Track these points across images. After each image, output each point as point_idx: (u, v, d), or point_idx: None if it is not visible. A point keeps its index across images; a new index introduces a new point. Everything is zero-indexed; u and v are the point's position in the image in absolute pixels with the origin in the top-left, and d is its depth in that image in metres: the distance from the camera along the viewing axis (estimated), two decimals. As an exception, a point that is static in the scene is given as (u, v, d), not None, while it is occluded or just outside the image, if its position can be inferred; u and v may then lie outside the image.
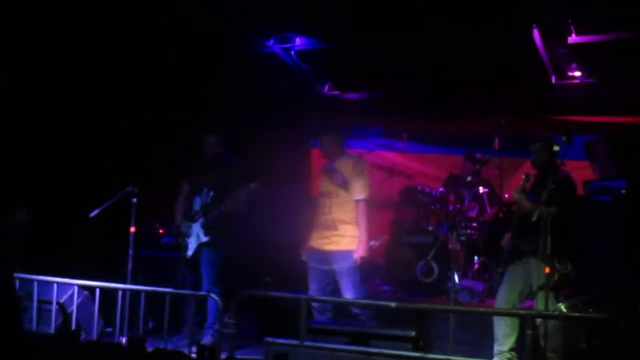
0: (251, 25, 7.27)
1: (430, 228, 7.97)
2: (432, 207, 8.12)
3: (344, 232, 6.35)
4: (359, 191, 6.36)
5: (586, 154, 7.98)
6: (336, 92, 8.85)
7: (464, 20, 6.72)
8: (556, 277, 5.52)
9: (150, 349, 5.07)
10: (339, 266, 6.32)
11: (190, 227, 6.72)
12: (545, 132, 6.19)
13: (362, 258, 6.29)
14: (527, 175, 5.93)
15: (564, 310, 5.56)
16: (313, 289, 6.43)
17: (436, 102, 8.44)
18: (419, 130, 9.06)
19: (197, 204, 6.73)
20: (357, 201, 6.35)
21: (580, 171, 7.74)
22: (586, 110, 7.99)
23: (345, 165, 6.46)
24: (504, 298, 5.95)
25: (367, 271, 8.30)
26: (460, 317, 6.04)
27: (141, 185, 6.69)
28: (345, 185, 6.35)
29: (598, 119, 8.13)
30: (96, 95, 7.64)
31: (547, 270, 5.31)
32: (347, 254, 6.30)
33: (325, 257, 6.39)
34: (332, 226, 6.39)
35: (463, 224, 7.70)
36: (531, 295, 5.85)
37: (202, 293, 6.30)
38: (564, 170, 5.68)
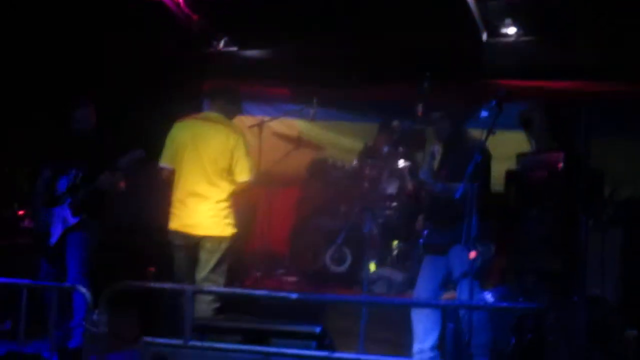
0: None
1: (342, 209, 8.00)
2: (345, 184, 8.14)
3: None
4: None
5: (521, 124, 8.14)
6: (233, 48, 8.75)
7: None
8: (479, 262, 5.63)
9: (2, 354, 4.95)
10: None
11: (54, 212, 6.66)
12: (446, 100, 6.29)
13: None
14: (432, 153, 6.03)
15: (490, 300, 5.69)
16: None
17: (352, 63, 8.45)
18: (332, 95, 9.05)
19: (63, 186, 6.66)
20: None
21: (511, 143, 7.92)
22: (521, 73, 8.12)
23: None
24: (423, 288, 6.06)
25: (268, 260, 8.37)
26: (374, 311, 6.11)
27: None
28: None
29: (534, 83, 8.27)
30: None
31: (473, 254, 5.40)
32: None
33: None
34: None
35: (380, 204, 7.76)
36: (453, 284, 5.97)
37: (68, 285, 6.18)
38: (479, 139, 5.76)
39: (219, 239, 6.43)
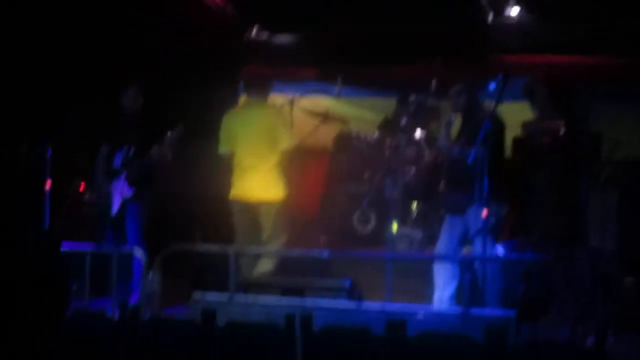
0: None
1: (367, 175, 7.97)
2: (368, 154, 8.11)
3: None
4: None
5: (525, 95, 8.06)
6: (264, 36, 8.71)
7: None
8: (493, 220, 5.61)
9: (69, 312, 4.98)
10: None
11: (113, 185, 6.69)
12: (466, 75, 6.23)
13: None
14: (448, 123, 5.98)
15: (502, 253, 5.67)
16: None
17: (372, 44, 8.38)
18: (354, 74, 8.99)
19: (119, 160, 6.70)
20: None
21: (518, 113, 7.84)
22: (525, 50, 8.02)
23: None
24: (444, 244, 6.05)
25: (302, 222, 8.37)
26: (398, 265, 6.09)
27: (59, 141, 6.57)
28: None
29: (537, 59, 8.18)
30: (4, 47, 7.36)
31: (485, 212, 5.37)
32: None
33: None
34: None
35: (400, 171, 7.73)
36: (469, 240, 5.95)
37: (126, 250, 6.22)
38: (495, 109, 5.72)
39: (271, 204, 6.64)
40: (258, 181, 6.65)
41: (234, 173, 6.79)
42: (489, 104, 5.78)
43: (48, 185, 6.41)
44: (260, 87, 6.93)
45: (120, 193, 6.63)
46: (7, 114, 7.36)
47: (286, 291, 5.28)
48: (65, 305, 5.04)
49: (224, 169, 6.90)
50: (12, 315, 4.17)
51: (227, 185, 6.86)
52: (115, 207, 6.65)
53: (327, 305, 5.00)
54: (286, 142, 6.67)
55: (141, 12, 7.63)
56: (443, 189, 6.32)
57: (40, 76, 7.62)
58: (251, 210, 6.68)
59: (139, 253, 5.82)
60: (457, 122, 6.23)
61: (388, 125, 8.28)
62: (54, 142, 6.54)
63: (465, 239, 6.02)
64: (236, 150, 6.77)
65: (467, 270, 5.20)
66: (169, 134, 6.40)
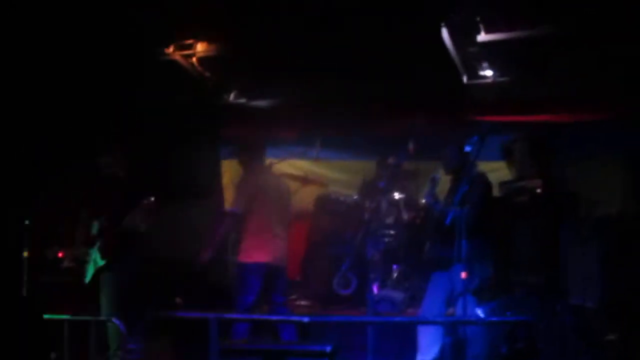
0: (148, 32, 7.16)
1: (347, 238, 7.98)
2: (348, 216, 8.14)
3: None
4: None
5: (503, 154, 8.15)
6: (243, 100, 8.79)
7: (372, 21, 6.79)
8: (477, 281, 5.61)
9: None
10: None
11: (88, 253, 6.60)
12: (455, 136, 6.31)
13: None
14: (433, 179, 6.03)
15: (482, 315, 5.65)
16: None
17: (350, 107, 8.47)
18: (332, 135, 9.07)
19: (95, 229, 6.63)
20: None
21: (496, 172, 7.92)
22: (499, 110, 8.14)
23: None
24: (429, 305, 6.04)
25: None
26: (379, 328, 6.07)
27: (37, 207, 6.52)
28: None
29: (512, 118, 8.29)
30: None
31: (464, 275, 5.37)
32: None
33: None
34: None
35: (380, 232, 7.74)
36: (453, 301, 5.93)
37: (103, 319, 6.14)
38: (478, 170, 5.79)
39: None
40: (283, 248, 7.07)
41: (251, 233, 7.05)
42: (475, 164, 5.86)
43: (26, 253, 6.34)
44: (255, 150, 7.37)
45: (93, 262, 6.55)
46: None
47: (267, 357, 5.22)
48: None
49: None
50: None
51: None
52: (88, 276, 6.55)
53: (308, 371, 4.95)
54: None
55: (119, 76, 7.70)
56: (428, 248, 6.32)
57: (18, 141, 7.64)
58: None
59: (116, 322, 5.75)
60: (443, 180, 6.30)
61: (367, 187, 8.33)
62: (33, 209, 6.48)
63: (450, 299, 6.00)
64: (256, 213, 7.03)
65: (450, 332, 5.17)
66: (143, 202, 6.32)
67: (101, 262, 6.49)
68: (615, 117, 7.65)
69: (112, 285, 6.47)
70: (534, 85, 7.93)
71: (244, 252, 7.04)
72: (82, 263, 6.61)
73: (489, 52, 7.38)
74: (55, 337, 6.02)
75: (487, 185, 6.11)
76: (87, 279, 6.53)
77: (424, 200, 6.17)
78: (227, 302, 7.32)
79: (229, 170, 9.38)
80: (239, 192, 7.18)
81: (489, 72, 7.78)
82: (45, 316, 5.94)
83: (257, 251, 6.96)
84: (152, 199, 6.33)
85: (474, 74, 7.83)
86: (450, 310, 6.17)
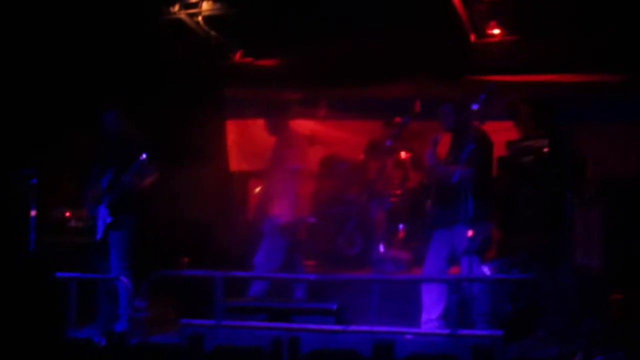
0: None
1: (352, 197, 7.99)
2: (354, 176, 8.13)
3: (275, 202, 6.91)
4: (292, 162, 6.90)
5: (509, 114, 8.11)
6: (249, 59, 8.75)
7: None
8: (479, 239, 5.62)
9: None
10: (265, 230, 6.90)
11: (98, 209, 6.62)
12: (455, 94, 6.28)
13: (285, 223, 6.77)
14: (435, 140, 6.01)
15: (488, 273, 5.68)
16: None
17: (356, 67, 8.43)
18: (338, 96, 9.04)
19: (104, 184, 6.64)
20: (287, 170, 6.87)
21: (502, 132, 7.89)
22: (507, 70, 8.09)
23: (282, 139, 7.09)
24: (431, 264, 6.05)
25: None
26: (384, 287, 6.09)
27: (44, 167, 6.53)
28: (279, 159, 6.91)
29: (519, 78, 8.24)
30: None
31: (470, 233, 5.39)
32: (273, 218, 6.82)
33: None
34: (269, 198, 7.02)
35: (385, 192, 7.75)
36: (456, 260, 5.96)
37: (111, 276, 6.19)
38: (481, 129, 5.76)
39: None
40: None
41: None
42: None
43: (33, 212, 6.37)
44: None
45: (102, 219, 6.58)
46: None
47: (273, 315, 5.26)
48: (63, 331, 5.02)
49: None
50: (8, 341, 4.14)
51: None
52: (99, 232, 6.58)
53: (314, 328, 4.99)
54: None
55: (125, 35, 7.66)
56: (430, 207, 6.33)
57: (24, 104, 7.64)
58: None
59: (124, 280, 5.80)
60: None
61: (373, 147, 8.31)
62: (40, 169, 6.49)
63: (452, 259, 6.02)
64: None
65: (454, 291, 5.20)
66: (138, 160, 6.31)
67: (109, 219, 6.53)
68: (623, 79, 7.59)
69: (120, 244, 6.51)
70: (541, 45, 7.87)
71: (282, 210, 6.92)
72: (90, 220, 6.63)
73: (497, 10, 7.33)
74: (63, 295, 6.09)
75: (491, 145, 6.09)
76: (99, 235, 6.56)
77: (427, 162, 6.13)
78: (234, 261, 7.37)
79: (233, 131, 9.39)
80: (299, 147, 7.12)
81: (496, 31, 7.73)
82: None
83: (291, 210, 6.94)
84: (145, 156, 6.30)
85: (481, 33, 7.77)
86: (454, 268, 6.20)
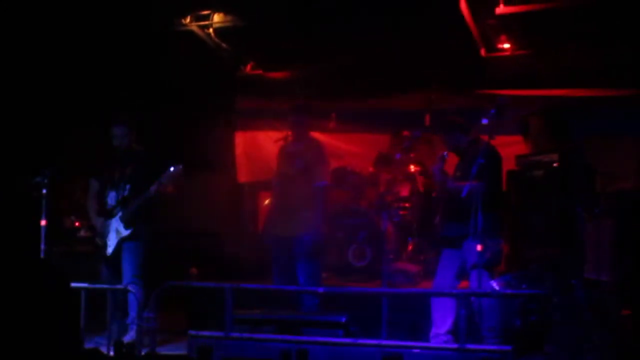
0: (165, 2, 7.16)
1: (361, 210, 7.99)
2: (363, 188, 8.14)
3: (303, 218, 6.53)
4: (321, 177, 6.62)
5: (519, 129, 8.12)
6: (259, 71, 8.79)
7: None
8: (488, 254, 5.61)
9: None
10: (297, 252, 6.53)
11: (108, 224, 6.61)
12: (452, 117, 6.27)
13: (316, 242, 6.51)
14: (442, 157, 6.00)
15: (497, 287, 5.66)
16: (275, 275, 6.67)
17: (364, 79, 8.45)
18: (348, 109, 9.05)
19: (113, 199, 6.63)
20: (317, 187, 6.57)
21: (512, 146, 7.90)
22: (517, 84, 8.10)
23: (309, 149, 6.68)
24: (441, 278, 6.05)
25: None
26: (394, 300, 6.08)
27: (55, 176, 6.54)
28: (305, 171, 6.56)
29: (529, 92, 8.25)
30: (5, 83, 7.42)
31: (479, 247, 5.38)
32: (304, 239, 6.51)
33: (286, 242, 6.58)
34: (291, 212, 6.58)
35: (395, 205, 7.75)
36: (466, 274, 5.95)
37: (120, 287, 6.19)
38: (491, 144, 5.75)
39: None
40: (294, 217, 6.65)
41: None
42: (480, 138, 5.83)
43: (44, 221, 6.38)
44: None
45: (115, 232, 6.57)
46: (5, 150, 7.41)
47: (282, 327, 5.26)
48: (79, 342, 5.02)
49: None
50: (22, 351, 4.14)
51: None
52: (112, 246, 6.57)
53: (323, 341, 4.98)
54: (323, 176, 6.75)
55: (136, 46, 7.70)
56: (438, 223, 6.33)
57: (37, 113, 7.69)
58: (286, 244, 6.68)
59: (134, 290, 5.81)
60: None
61: (383, 160, 8.31)
62: (51, 177, 6.51)
63: (462, 274, 6.02)
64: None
65: (463, 305, 5.19)
66: (170, 169, 6.30)
67: (125, 232, 6.52)
68: (635, 93, 7.59)
69: (135, 254, 6.50)
70: (552, 59, 7.87)
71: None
72: (101, 234, 6.63)
73: (508, 24, 7.34)
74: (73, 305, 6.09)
75: (500, 160, 6.09)
76: (111, 250, 6.56)
77: (434, 178, 6.12)
78: (244, 272, 7.38)
79: (242, 142, 9.42)
80: (327, 162, 6.82)
81: (507, 45, 7.74)
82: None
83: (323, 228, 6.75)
84: (180, 166, 6.31)
85: (491, 47, 7.79)
86: (463, 283, 6.19)
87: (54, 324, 3.66)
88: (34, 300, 3.61)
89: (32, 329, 3.57)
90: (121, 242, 6.53)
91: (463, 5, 6.90)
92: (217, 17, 7.60)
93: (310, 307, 6.36)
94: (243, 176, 9.41)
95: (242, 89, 8.94)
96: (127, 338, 6.32)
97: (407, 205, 7.85)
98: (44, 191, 6.41)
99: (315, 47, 7.93)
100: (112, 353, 5.25)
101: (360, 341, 4.92)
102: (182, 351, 5.74)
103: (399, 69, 8.12)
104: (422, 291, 6.61)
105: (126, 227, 6.52)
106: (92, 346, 5.83)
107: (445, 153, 6.06)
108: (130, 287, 5.95)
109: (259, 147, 9.25)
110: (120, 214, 6.56)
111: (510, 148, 7.47)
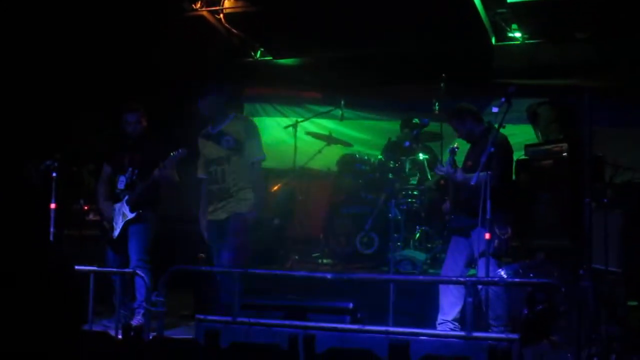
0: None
1: (369, 197, 7.97)
2: (371, 176, 8.11)
3: (242, 197, 6.16)
4: (255, 152, 6.21)
5: (528, 118, 8.08)
6: (269, 57, 8.76)
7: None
8: (496, 242, 5.59)
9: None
10: (230, 227, 6.13)
11: (115, 208, 6.65)
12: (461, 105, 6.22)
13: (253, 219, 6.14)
14: (452, 151, 5.95)
15: (505, 276, 5.64)
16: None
17: (375, 67, 8.42)
18: (357, 96, 9.03)
19: (122, 184, 6.66)
20: (253, 163, 6.19)
21: (521, 136, 7.87)
22: (527, 73, 8.05)
23: (234, 127, 6.27)
24: (450, 266, 6.03)
25: (305, 245, 8.38)
26: (401, 287, 6.07)
27: (64, 160, 6.55)
28: (238, 148, 6.17)
29: (540, 81, 8.20)
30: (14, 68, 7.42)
31: (488, 236, 5.36)
32: (240, 215, 6.12)
33: (222, 226, 6.20)
34: (227, 194, 6.18)
35: (403, 193, 7.73)
36: (474, 263, 5.93)
37: (129, 270, 6.20)
38: (501, 132, 5.72)
39: None
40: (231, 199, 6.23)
41: None
42: (493, 127, 5.79)
43: (53, 205, 6.39)
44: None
45: (122, 215, 6.59)
46: (14, 135, 7.41)
47: (289, 312, 5.25)
48: (82, 322, 5.02)
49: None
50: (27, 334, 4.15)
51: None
52: (117, 229, 6.60)
53: (330, 327, 4.97)
54: (258, 151, 6.25)
55: (148, 33, 7.68)
56: (447, 211, 6.30)
57: (47, 98, 7.69)
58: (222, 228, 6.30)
59: (141, 274, 5.82)
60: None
61: (392, 147, 8.28)
62: (60, 161, 6.52)
63: (470, 262, 6.00)
64: None
65: (471, 293, 5.16)
66: (172, 154, 6.30)
67: (131, 215, 6.54)
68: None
69: (141, 238, 6.52)
70: (562, 48, 7.83)
71: None
72: (109, 217, 6.66)
73: (519, 13, 7.30)
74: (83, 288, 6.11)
75: (511, 149, 6.06)
76: (117, 233, 6.58)
77: (442, 170, 6.05)
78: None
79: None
80: (256, 137, 6.34)
81: (518, 34, 7.70)
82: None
83: None
84: (185, 149, 6.28)
85: (502, 36, 7.75)
86: (471, 271, 6.18)
87: (57, 307, 3.66)
88: (36, 283, 3.61)
89: (33, 312, 3.57)
90: (127, 225, 6.56)
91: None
92: (227, 2, 7.57)
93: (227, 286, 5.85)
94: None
95: (251, 75, 8.90)
96: (135, 321, 6.35)
97: (415, 193, 7.81)
98: (54, 174, 6.42)
99: (324, 35, 7.89)
100: (120, 336, 5.27)
101: (367, 327, 4.90)
102: (189, 335, 5.75)
103: (409, 58, 8.08)
104: (429, 278, 6.59)
105: (132, 210, 6.55)
106: (100, 329, 5.86)
107: (456, 146, 6.03)
108: (138, 271, 5.95)
109: (267, 133, 9.24)
110: (126, 197, 6.59)
111: (520, 137, 7.45)
